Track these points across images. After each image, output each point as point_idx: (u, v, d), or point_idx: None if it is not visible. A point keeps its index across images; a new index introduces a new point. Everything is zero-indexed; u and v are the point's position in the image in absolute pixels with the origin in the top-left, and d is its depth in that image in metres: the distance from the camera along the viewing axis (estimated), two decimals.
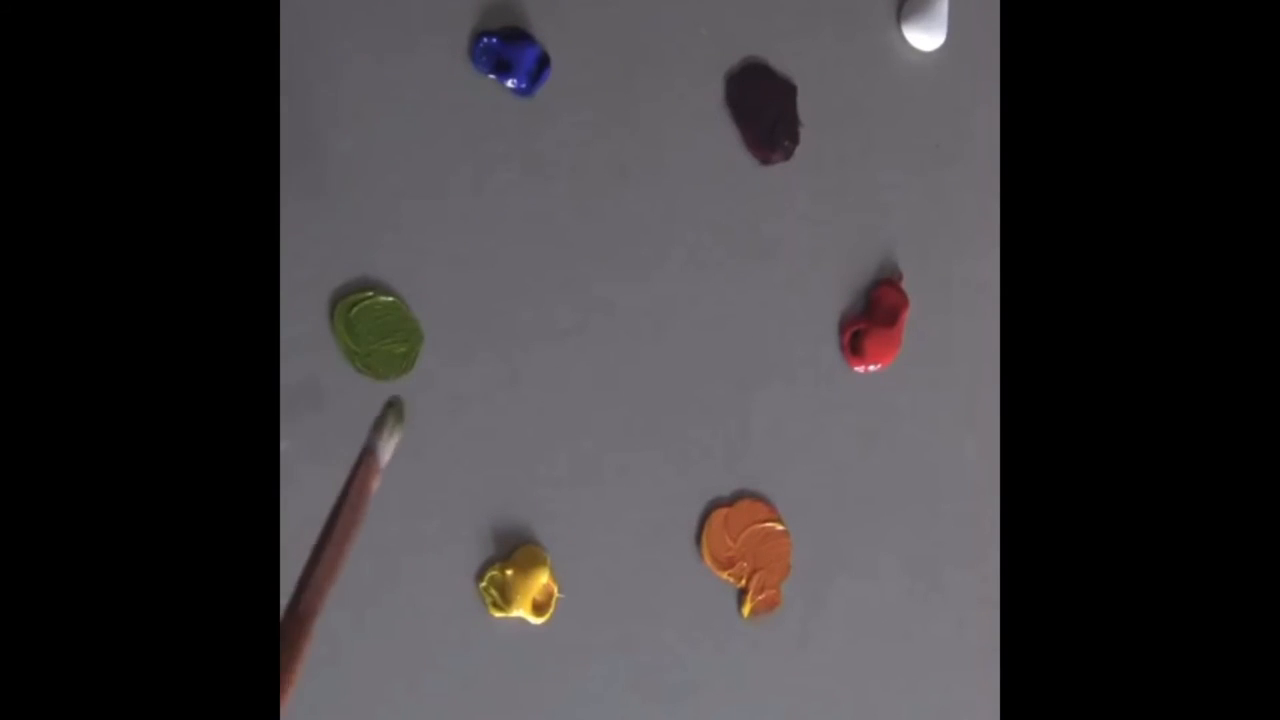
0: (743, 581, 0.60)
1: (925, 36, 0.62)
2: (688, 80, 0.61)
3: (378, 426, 0.48)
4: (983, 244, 0.62)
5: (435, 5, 0.60)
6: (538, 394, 0.59)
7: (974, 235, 0.62)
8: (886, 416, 0.61)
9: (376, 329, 0.58)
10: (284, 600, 0.43)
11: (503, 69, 0.60)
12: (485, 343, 0.59)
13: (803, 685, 0.60)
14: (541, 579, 0.58)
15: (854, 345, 0.61)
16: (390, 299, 0.58)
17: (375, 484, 0.46)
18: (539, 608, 0.58)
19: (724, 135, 0.61)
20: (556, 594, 0.59)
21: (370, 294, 0.58)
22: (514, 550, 0.59)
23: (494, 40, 0.60)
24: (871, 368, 0.61)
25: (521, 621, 0.58)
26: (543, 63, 0.60)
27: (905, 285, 0.62)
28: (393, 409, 0.49)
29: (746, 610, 0.60)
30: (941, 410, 0.62)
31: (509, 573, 0.58)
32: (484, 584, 0.58)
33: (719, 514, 0.60)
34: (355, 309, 0.58)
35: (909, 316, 0.61)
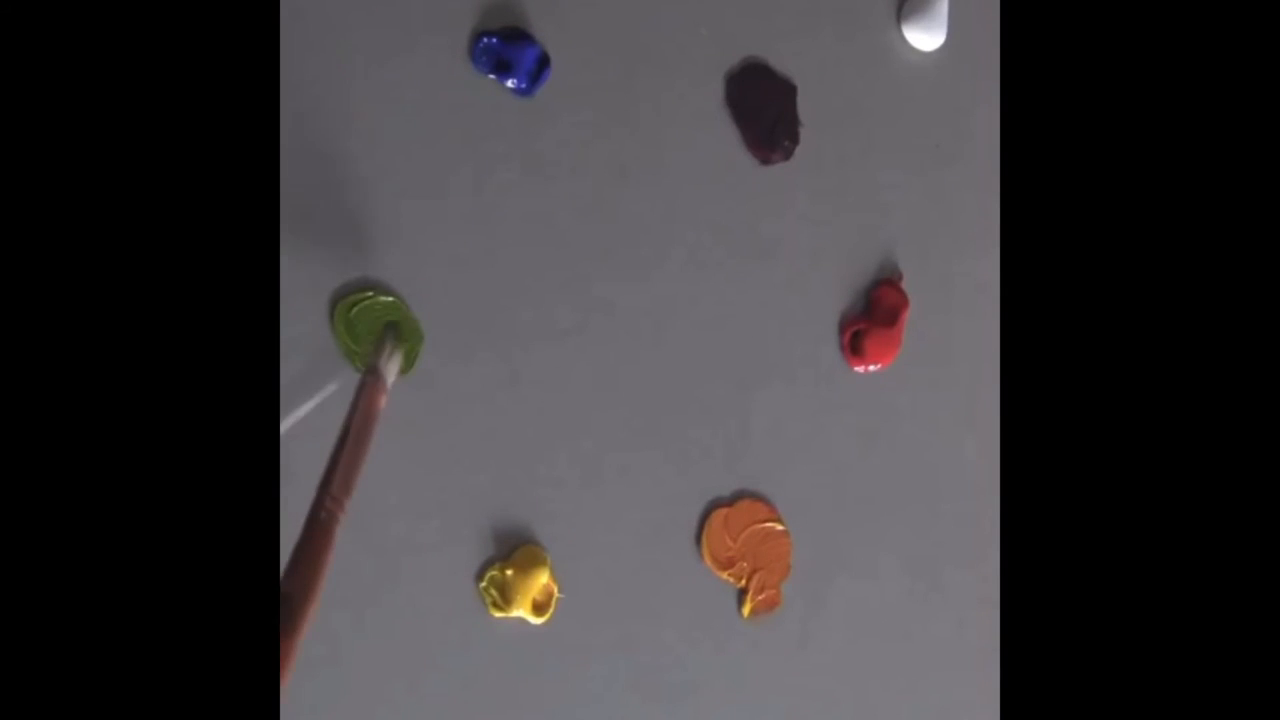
0: (743, 581, 0.60)
1: (925, 36, 0.62)
2: (688, 80, 0.61)
3: (378, 349, 0.54)
4: (983, 244, 0.62)
5: (435, 5, 0.60)
6: (538, 394, 0.59)
7: (974, 235, 0.62)
8: (886, 416, 0.61)
9: (376, 329, 0.58)
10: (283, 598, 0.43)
11: (503, 69, 0.60)
12: (485, 343, 0.59)
13: (803, 685, 0.60)
14: (541, 579, 0.58)
15: (854, 345, 0.61)
16: (390, 299, 0.58)
17: (383, 401, 0.51)
18: (539, 608, 0.58)
19: (724, 135, 0.61)
20: (556, 594, 0.59)
21: (370, 294, 0.58)
22: (514, 550, 0.59)
23: (494, 40, 0.60)
24: (871, 368, 0.61)
25: (521, 621, 0.58)
26: (543, 63, 0.60)
27: (905, 285, 0.62)
28: (391, 330, 0.56)
29: (746, 610, 0.60)
30: (941, 410, 0.62)
31: (509, 573, 0.58)
32: (484, 584, 0.58)
33: (719, 514, 0.60)
34: (355, 309, 0.58)
35: (909, 316, 0.61)
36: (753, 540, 0.60)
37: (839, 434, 0.61)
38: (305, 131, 0.58)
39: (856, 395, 0.61)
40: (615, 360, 0.60)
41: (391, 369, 0.54)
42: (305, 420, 0.57)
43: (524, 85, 0.60)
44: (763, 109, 0.61)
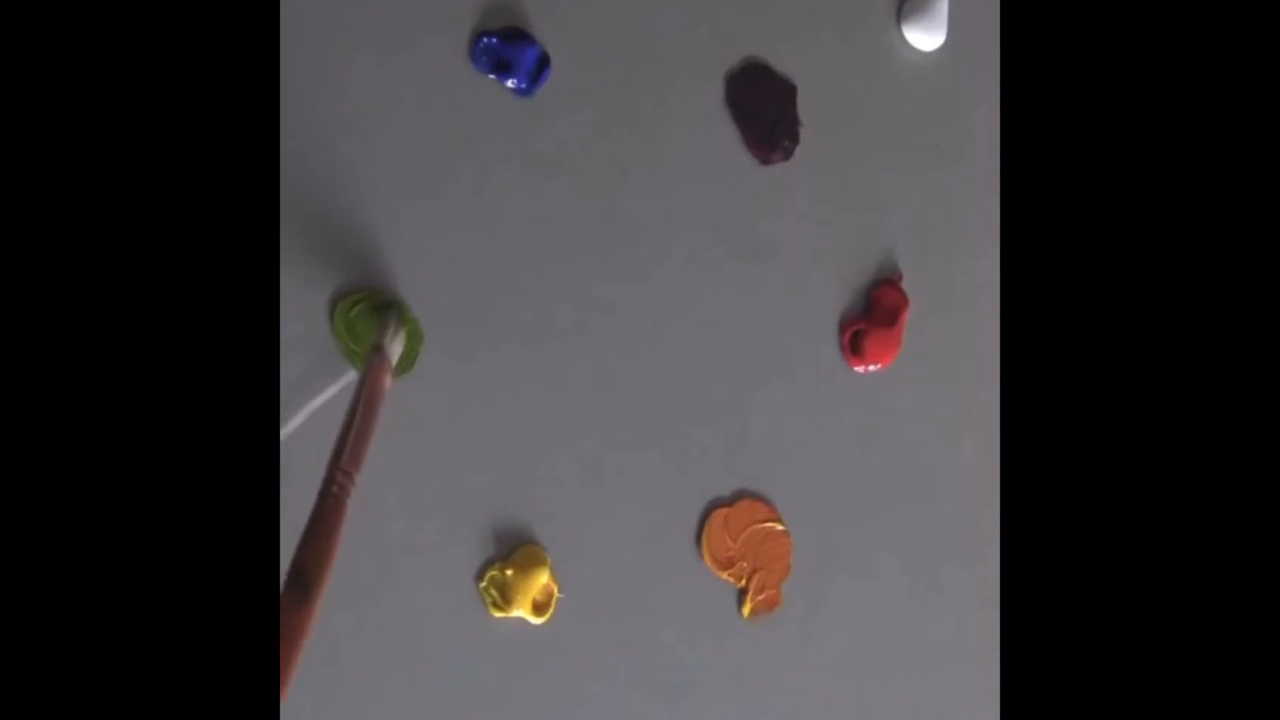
0: (743, 581, 0.60)
1: (925, 36, 0.62)
2: (688, 80, 0.61)
3: (383, 327, 0.55)
4: (983, 244, 0.62)
5: (435, 5, 0.60)
6: (538, 394, 0.59)
7: (974, 235, 0.62)
8: (886, 416, 0.61)
9: (377, 329, 0.58)
10: (283, 595, 0.43)
11: (503, 69, 0.60)
12: (485, 343, 0.59)
13: (803, 685, 0.60)
14: (541, 579, 0.58)
15: (854, 345, 0.61)
16: (390, 299, 0.58)
17: (388, 380, 0.53)
18: (539, 608, 0.58)
19: (724, 135, 0.61)
20: (556, 594, 0.59)
21: (370, 294, 0.58)
22: (514, 550, 0.59)
23: (494, 40, 0.60)
24: (871, 368, 0.61)
25: (521, 621, 0.58)
26: (543, 63, 0.60)
27: (905, 285, 0.62)
28: (394, 310, 0.57)
29: (746, 610, 0.60)
30: (941, 410, 0.62)
31: (509, 573, 0.58)
32: (484, 584, 0.58)
33: (719, 514, 0.60)
34: (355, 309, 0.58)
35: (909, 316, 0.61)
36: (753, 540, 0.60)
37: (839, 434, 0.61)
38: (305, 131, 0.58)
39: (856, 395, 0.61)
40: (615, 360, 0.60)
41: (395, 348, 0.55)
42: (305, 419, 0.57)
43: (524, 85, 0.60)
44: (763, 109, 0.61)
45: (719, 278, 0.61)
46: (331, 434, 0.49)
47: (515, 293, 0.59)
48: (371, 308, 0.58)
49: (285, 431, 0.56)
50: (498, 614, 0.58)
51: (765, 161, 0.61)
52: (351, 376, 0.56)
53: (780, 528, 0.60)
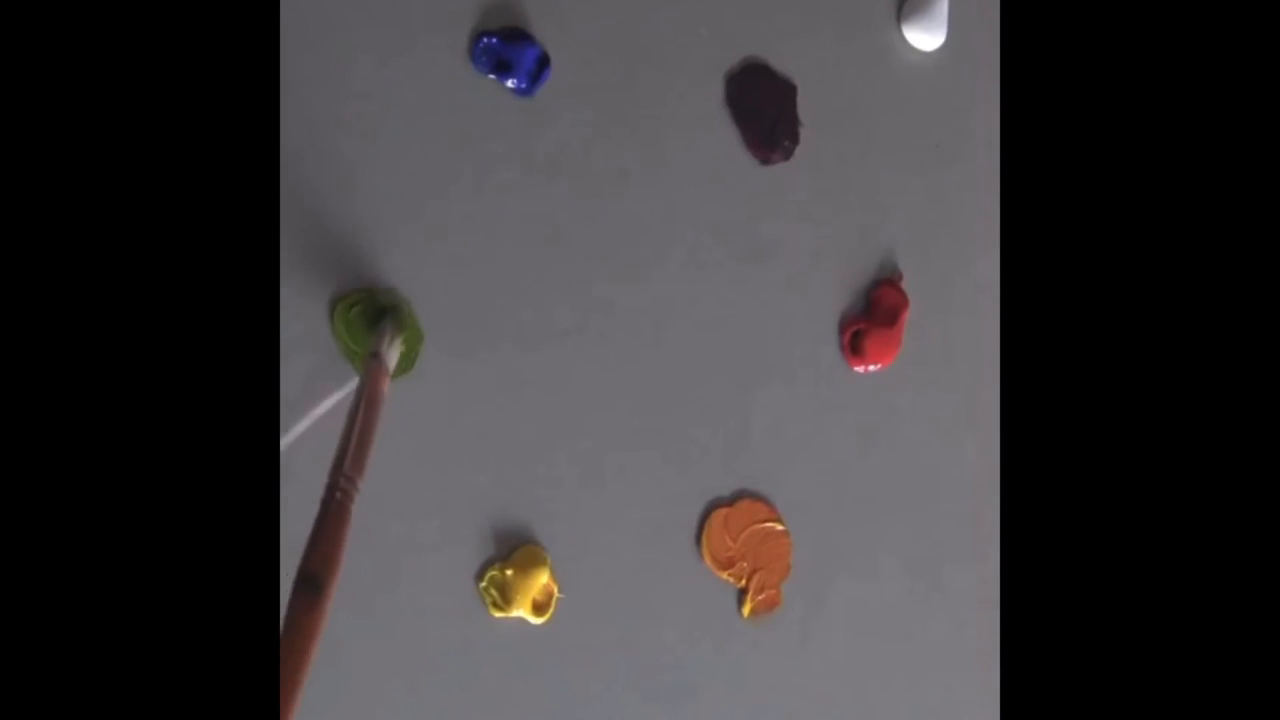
0: (743, 581, 0.60)
1: (925, 36, 0.62)
2: (688, 80, 0.61)
3: (380, 334, 0.55)
4: (983, 244, 0.62)
5: (435, 5, 0.60)
6: (538, 394, 0.59)
7: (974, 235, 0.62)
8: (886, 416, 0.61)
9: (374, 336, 0.58)
10: (285, 598, 0.43)
11: (503, 69, 0.60)
12: (485, 343, 0.59)
13: (803, 685, 0.60)
14: (541, 579, 0.58)
15: (854, 345, 0.61)
16: (390, 299, 0.58)
17: (385, 385, 0.53)
18: (539, 608, 0.58)
19: (724, 135, 0.61)
20: (556, 594, 0.59)
21: (370, 294, 0.58)
22: (514, 550, 0.59)
23: (494, 40, 0.60)
24: (871, 368, 0.61)
25: (521, 621, 0.58)
26: (543, 63, 0.60)
27: (905, 285, 0.62)
28: (390, 317, 0.56)
29: (746, 610, 0.60)
30: (941, 410, 0.62)
31: (509, 573, 0.58)
32: (484, 584, 0.58)
33: (719, 514, 0.60)
34: (355, 309, 0.58)
35: (909, 316, 0.61)
36: (753, 540, 0.60)
37: (839, 434, 0.61)
38: (305, 131, 0.58)
39: (856, 395, 0.61)
40: (615, 360, 0.60)
41: (392, 355, 0.55)
42: (305, 421, 0.57)
43: (524, 85, 0.60)
44: (763, 109, 0.61)
45: (719, 278, 0.61)
46: (331, 438, 0.49)
47: (515, 293, 0.59)
48: (371, 308, 0.58)
49: (289, 438, 0.56)
50: (498, 614, 0.58)
51: (765, 161, 0.61)
52: (352, 382, 0.56)
53: (780, 528, 0.60)
